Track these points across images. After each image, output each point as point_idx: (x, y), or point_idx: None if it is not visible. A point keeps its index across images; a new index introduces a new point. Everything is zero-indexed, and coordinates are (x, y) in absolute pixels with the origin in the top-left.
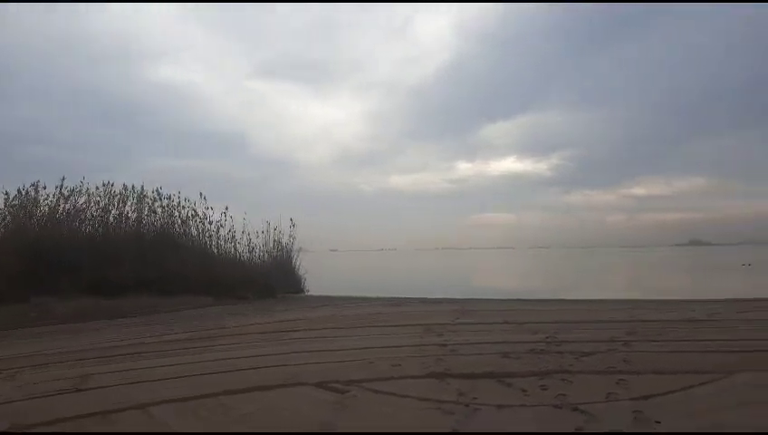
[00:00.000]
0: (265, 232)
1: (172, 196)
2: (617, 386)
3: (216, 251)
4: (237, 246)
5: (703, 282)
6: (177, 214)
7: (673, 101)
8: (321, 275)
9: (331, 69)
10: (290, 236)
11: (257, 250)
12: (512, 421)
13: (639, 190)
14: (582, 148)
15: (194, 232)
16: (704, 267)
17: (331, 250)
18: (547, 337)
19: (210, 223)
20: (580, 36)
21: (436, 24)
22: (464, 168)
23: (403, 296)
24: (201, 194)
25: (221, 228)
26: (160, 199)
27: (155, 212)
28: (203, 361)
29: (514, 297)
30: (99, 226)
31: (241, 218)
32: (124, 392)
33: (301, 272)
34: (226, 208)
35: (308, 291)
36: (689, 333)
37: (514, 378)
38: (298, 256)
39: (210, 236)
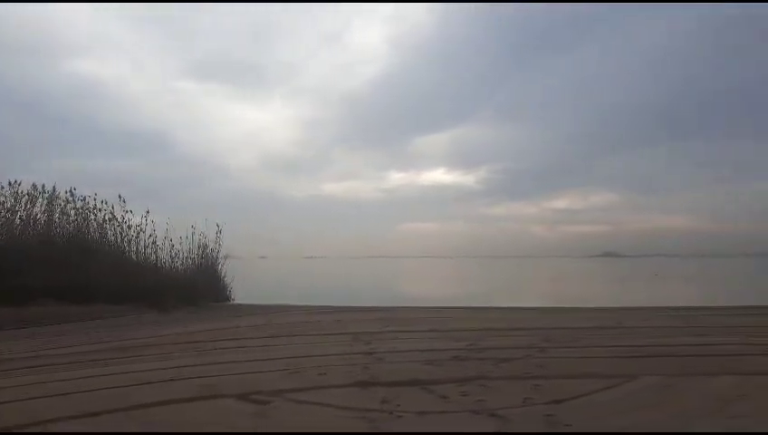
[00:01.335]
0: (190, 237)
1: (87, 198)
2: (532, 391)
3: (134, 257)
4: (159, 251)
5: (614, 291)
6: (92, 217)
7: (591, 117)
8: (248, 282)
9: (263, 72)
10: (216, 242)
11: (180, 256)
12: (432, 428)
13: (560, 203)
14: (508, 161)
15: (111, 237)
16: (615, 277)
17: (260, 257)
18: (469, 344)
19: (129, 227)
20: (507, 53)
21: (371, 34)
22: (396, 177)
23: (332, 305)
24: (120, 196)
25: (141, 233)
26: (74, 201)
27: (68, 215)
28: (114, 373)
29: (441, 305)
30: (3, 228)
31: (163, 223)
32: (23, 409)
33: (227, 279)
34: (147, 212)
35: (234, 299)
36: (600, 340)
37: (437, 385)
38: (224, 262)
39: (129, 241)
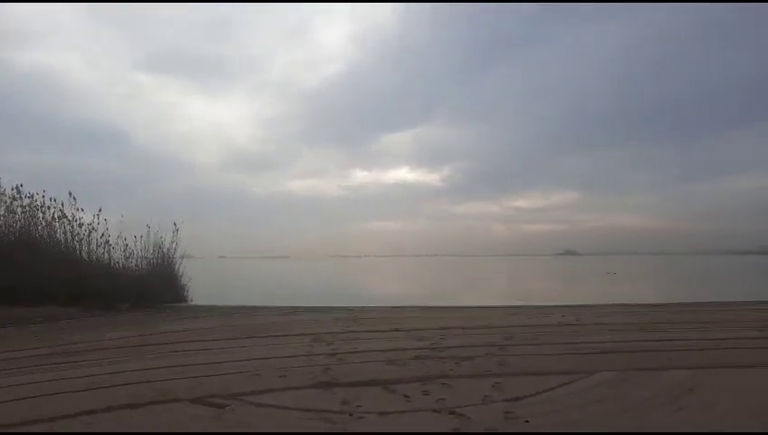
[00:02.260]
0: (145, 237)
1: (35, 195)
2: (492, 389)
3: (86, 257)
4: (112, 251)
5: (573, 289)
6: (40, 215)
7: (552, 118)
8: (207, 283)
9: (223, 67)
10: (173, 241)
11: (135, 256)
12: (392, 428)
13: (521, 202)
14: (471, 161)
15: (60, 236)
16: (574, 275)
17: (220, 257)
18: (432, 344)
19: (80, 226)
20: (470, 53)
21: (334, 31)
22: (360, 175)
23: (294, 305)
24: (70, 193)
25: (93, 232)
26: (21, 198)
27: (14, 213)
28: (64, 378)
29: (404, 304)
30: None
31: (117, 221)
32: None
33: (184, 280)
34: (100, 210)
35: (191, 300)
36: (558, 337)
37: (399, 384)
38: (181, 262)
39: (80, 240)
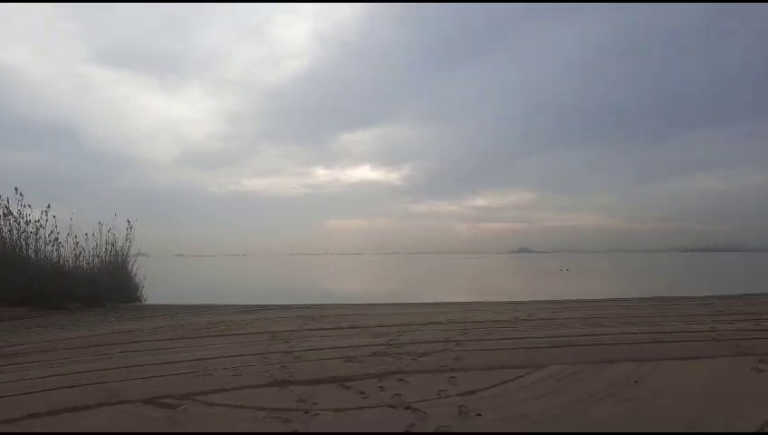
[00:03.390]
0: (97, 235)
1: None
2: (447, 383)
3: (33, 256)
4: (61, 249)
5: (528, 285)
6: None
7: (511, 119)
8: (162, 282)
9: (180, 62)
10: (126, 239)
11: (85, 255)
12: (347, 424)
13: (480, 202)
14: (431, 160)
15: (6, 233)
16: (529, 273)
17: (177, 255)
18: (390, 340)
19: (27, 223)
20: (434, 55)
21: (295, 28)
22: (322, 174)
23: (251, 303)
24: (17, 189)
25: (41, 229)
26: None
27: None
28: (8, 381)
29: (363, 302)
30: None
31: (67, 218)
32: None
33: (138, 279)
34: (48, 207)
35: (146, 300)
36: (512, 332)
37: (355, 381)
38: (135, 261)
39: (27, 238)
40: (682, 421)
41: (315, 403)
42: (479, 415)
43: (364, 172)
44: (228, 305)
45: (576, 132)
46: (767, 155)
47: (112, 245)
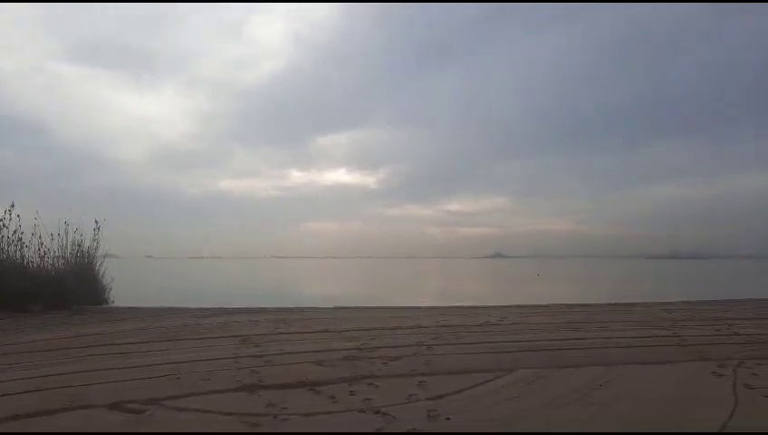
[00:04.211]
0: (63, 235)
1: None
2: (417, 387)
3: None
4: (25, 249)
5: (500, 290)
6: None
7: (487, 124)
8: (131, 284)
9: (154, 60)
10: (94, 239)
11: (51, 255)
12: (317, 428)
13: (454, 206)
14: (407, 164)
15: None
16: (502, 277)
17: (147, 256)
18: (361, 344)
19: None
20: (412, 58)
21: (271, 28)
22: (296, 176)
23: (223, 307)
24: None
25: (4, 229)
26: None
27: None
28: None
29: (336, 305)
30: None
31: (32, 218)
32: None
33: (105, 280)
34: (12, 206)
35: (113, 302)
36: (483, 336)
37: (326, 386)
38: (103, 262)
39: None
40: (643, 425)
41: (285, 408)
42: (448, 419)
43: (340, 175)
44: (198, 309)
45: (550, 139)
46: (730, 165)
47: (79, 245)
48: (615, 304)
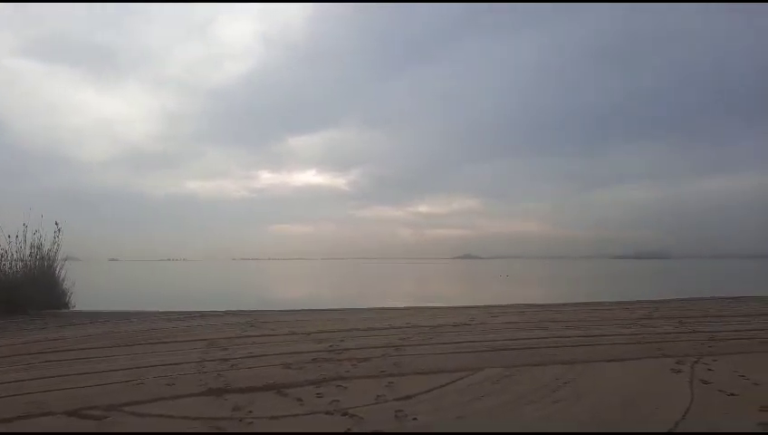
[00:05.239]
0: (21, 237)
1: None
2: (385, 389)
3: None
4: None
5: (469, 290)
6: None
7: (457, 127)
8: (94, 287)
9: (117, 57)
10: (54, 241)
11: (8, 258)
12: (283, 431)
13: (424, 208)
14: (378, 166)
15: None
16: (471, 278)
17: (111, 259)
18: (330, 346)
19: None
20: (383, 60)
21: (240, 28)
22: (266, 177)
23: (189, 310)
24: None
25: None
26: None
27: None
28: None
29: (305, 307)
30: None
31: None
32: None
33: (66, 284)
34: None
35: (74, 306)
36: (452, 336)
37: (293, 388)
38: (64, 265)
39: None
40: (604, 421)
41: (250, 411)
42: (415, 419)
43: (310, 176)
44: (164, 312)
45: (519, 142)
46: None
47: (38, 248)
48: (580, 304)
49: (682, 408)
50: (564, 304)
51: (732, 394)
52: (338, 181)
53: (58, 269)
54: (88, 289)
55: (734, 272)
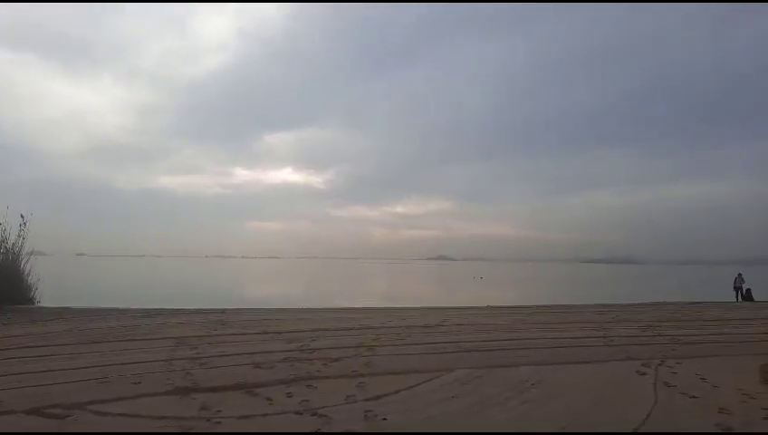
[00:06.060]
0: None
1: None
2: (356, 389)
3: None
4: None
5: (442, 292)
6: None
7: (434, 129)
8: (60, 282)
9: (89, 48)
10: (19, 235)
11: None
12: (251, 431)
13: (399, 208)
14: (354, 165)
15: None
16: (445, 279)
17: (78, 254)
18: (301, 345)
19: None
20: (362, 60)
21: (218, 23)
22: (242, 174)
23: (159, 307)
24: None
25: None
26: None
27: None
28: None
29: (276, 306)
30: None
31: None
32: None
33: (32, 279)
34: None
35: (39, 302)
36: (424, 337)
37: (263, 388)
38: (29, 260)
39: None
40: (571, 421)
41: (219, 411)
42: (384, 419)
43: (286, 174)
44: (133, 309)
45: (494, 146)
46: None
47: (2, 242)
48: (551, 306)
49: (646, 409)
50: (536, 307)
51: (693, 396)
52: (314, 180)
53: (23, 263)
54: (54, 284)
55: (700, 278)
